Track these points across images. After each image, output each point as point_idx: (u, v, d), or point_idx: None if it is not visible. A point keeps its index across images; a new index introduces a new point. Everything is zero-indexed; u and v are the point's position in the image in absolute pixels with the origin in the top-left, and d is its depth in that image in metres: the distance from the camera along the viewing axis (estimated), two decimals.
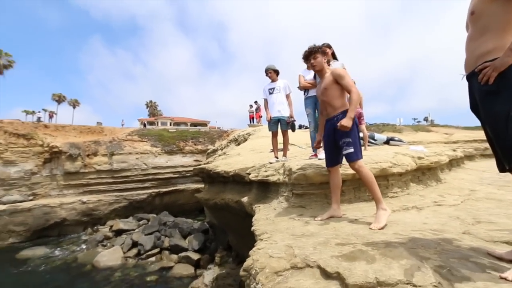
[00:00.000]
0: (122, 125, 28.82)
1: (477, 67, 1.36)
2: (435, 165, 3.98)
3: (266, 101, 4.60)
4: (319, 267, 1.59)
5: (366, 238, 1.93)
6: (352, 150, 2.36)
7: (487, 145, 1.47)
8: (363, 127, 5.89)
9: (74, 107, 40.92)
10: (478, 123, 1.53)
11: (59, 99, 38.44)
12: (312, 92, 4.22)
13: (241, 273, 2.02)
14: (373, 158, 3.32)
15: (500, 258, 1.40)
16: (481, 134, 1.41)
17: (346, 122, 2.30)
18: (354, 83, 5.74)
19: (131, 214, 16.98)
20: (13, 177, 14.94)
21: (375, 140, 8.35)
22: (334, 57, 3.93)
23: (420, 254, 1.53)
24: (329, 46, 3.87)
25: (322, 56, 2.62)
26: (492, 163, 1.45)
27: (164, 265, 10.19)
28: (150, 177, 19.00)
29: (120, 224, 14.75)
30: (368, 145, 6.42)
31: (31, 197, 15.17)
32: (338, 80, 2.49)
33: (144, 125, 32.28)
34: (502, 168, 1.39)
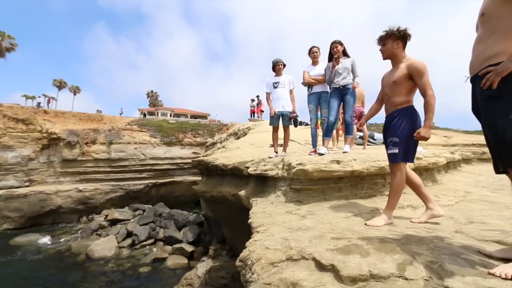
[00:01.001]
0: (121, 113, 28.69)
1: (481, 70, 1.38)
2: (432, 166, 4.02)
3: (268, 94, 4.57)
4: (314, 259, 1.63)
5: (361, 233, 1.97)
6: (396, 151, 2.15)
7: (484, 149, 1.50)
8: (364, 126, 5.91)
9: (74, 94, 40.59)
10: (477, 127, 1.55)
11: (60, 85, 38.09)
12: (316, 89, 4.22)
13: (237, 263, 2.06)
14: (372, 156, 3.35)
15: (490, 256, 1.45)
16: (480, 138, 1.41)
17: (426, 133, 2.01)
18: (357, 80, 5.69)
19: (127, 204, 17.03)
20: (10, 162, 14.92)
21: (375, 139, 8.40)
22: (345, 54, 3.92)
23: (413, 250, 1.56)
24: (340, 43, 3.86)
25: (394, 42, 2.22)
26: (488, 167, 1.48)
27: (158, 256, 10.27)
28: (148, 167, 19.04)
29: (116, 213, 14.80)
30: (368, 144, 6.46)
31: (27, 183, 15.18)
32: (414, 76, 2.14)
33: (144, 115, 32.16)
34: (497, 170, 1.43)
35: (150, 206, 16.71)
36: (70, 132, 16.84)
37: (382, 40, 2.28)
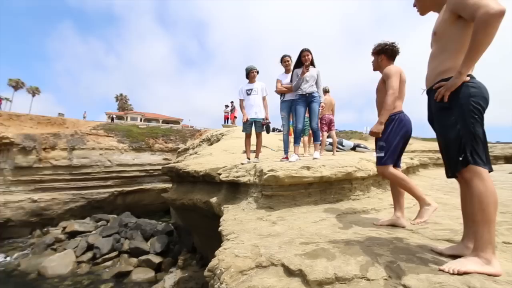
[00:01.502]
0: (84, 117, 26.87)
1: (434, 84, 1.52)
2: None
3: (242, 101, 4.62)
4: (283, 265, 1.64)
5: (329, 237, 2.03)
6: (382, 154, 2.26)
7: (439, 155, 1.65)
8: (333, 133, 6.18)
9: (33, 95, 37.27)
10: (434, 135, 1.70)
11: (17, 86, 34.80)
12: (288, 96, 4.33)
13: (206, 273, 2.01)
14: (340, 162, 3.50)
15: (441, 254, 1.57)
16: (435, 145, 1.58)
17: (376, 127, 2.22)
18: (328, 91, 5.91)
19: (89, 214, 15.80)
20: None
21: (343, 146, 8.81)
22: (312, 63, 4.07)
23: (375, 251, 1.65)
24: (310, 52, 4.01)
25: (377, 56, 2.46)
26: (442, 171, 1.62)
27: (122, 269, 9.59)
28: (114, 174, 17.92)
29: (75, 225, 13.63)
30: (337, 150, 6.75)
31: None
32: (385, 80, 2.33)
33: (112, 119, 30.37)
34: (448, 175, 1.57)
35: (115, 216, 15.66)
36: (26, 136, 15.33)
37: (372, 55, 2.52)
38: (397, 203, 2.42)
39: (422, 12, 1.72)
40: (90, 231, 13.25)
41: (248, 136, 4.65)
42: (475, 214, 1.35)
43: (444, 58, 1.50)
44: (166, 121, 39.57)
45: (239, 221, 2.83)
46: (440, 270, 1.33)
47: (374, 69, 2.56)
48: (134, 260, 10.09)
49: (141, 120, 37.71)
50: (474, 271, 1.27)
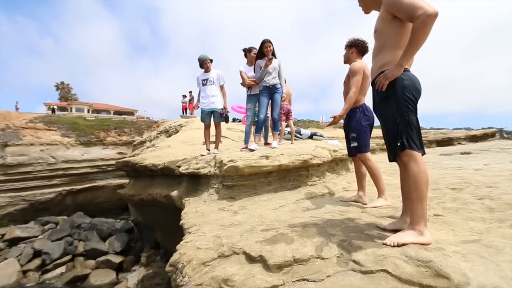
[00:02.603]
0: (17, 108, 23.43)
1: (376, 76, 1.66)
2: (345, 157, 4.64)
3: (200, 91, 4.53)
4: (244, 253, 1.68)
5: (288, 222, 2.13)
6: (356, 144, 2.57)
7: (383, 141, 1.83)
8: (291, 122, 6.37)
9: None
10: (379, 123, 1.86)
11: None
12: (255, 90, 4.29)
13: (167, 268, 1.97)
14: (297, 150, 3.64)
15: (384, 229, 1.77)
16: (381, 132, 1.75)
17: (339, 115, 2.48)
18: (285, 81, 6.03)
19: (32, 218, 14.10)
20: None
21: (301, 134, 9.17)
22: (273, 54, 4.08)
23: (328, 232, 1.78)
24: (271, 43, 4.00)
25: (349, 49, 2.65)
26: (386, 156, 1.80)
27: (78, 273, 8.86)
28: (60, 172, 16.14)
29: (16, 231, 12.08)
30: (295, 139, 7.00)
31: None
32: (350, 76, 2.57)
33: (53, 110, 26.90)
34: (390, 159, 1.75)
35: (65, 217, 14.25)
36: None
37: (345, 48, 2.71)
38: (360, 184, 2.77)
39: (366, 11, 1.88)
40: (36, 236, 11.88)
41: (207, 127, 4.57)
42: (410, 192, 1.54)
43: (385, 53, 1.65)
44: (118, 112, 36.71)
45: (201, 213, 2.80)
46: (383, 244, 1.50)
47: (345, 62, 2.76)
48: (91, 263, 9.38)
49: (88, 112, 34.39)
50: (411, 242, 1.46)
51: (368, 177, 2.70)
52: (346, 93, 2.71)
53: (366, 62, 2.63)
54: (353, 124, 2.61)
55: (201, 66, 4.43)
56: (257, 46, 4.12)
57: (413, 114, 1.55)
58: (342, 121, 2.75)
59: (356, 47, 2.66)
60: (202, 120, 4.50)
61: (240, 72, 4.36)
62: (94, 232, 11.13)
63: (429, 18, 1.37)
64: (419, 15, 1.38)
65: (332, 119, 2.53)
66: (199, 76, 4.48)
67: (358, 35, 2.69)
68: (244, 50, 4.48)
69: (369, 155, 2.60)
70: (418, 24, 1.39)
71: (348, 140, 2.75)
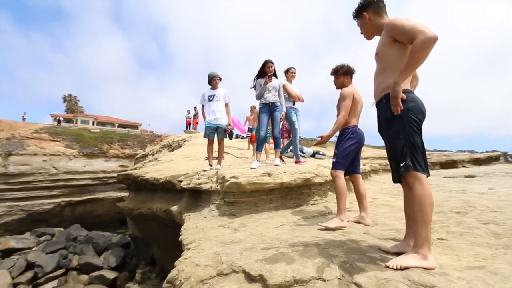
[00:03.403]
0: (24, 119, 23.86)
1: (381, 98, 1.71)
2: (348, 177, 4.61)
3: (203, 106, 4.61)
4: (244, 271, 1.65)
5: (289, 241, 2.09)
6: (334, 160, 2.68)
7: (388, 161, 1.85)
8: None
9: None
10: (383, 143, 1.88)
11: None
12: (286, 103, 4.50)
13: (164, 285, 1.92)
14: (299, 169, 3.64)
15: (387, 252, 1.73)
16: (385, 152, 1.78)
17: (326, 135, 2.59)
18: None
19: (29, 228, 13.90)
20: None
21: (304, 153, 9.16)
22: (274, 74, 4.21)
23: (330, 253, 1.75)
24: (273, 63, 4.15)
25: (344, 76, 2.81)
26: (390, 176, 1.81)
27: None
28: (61, 183, 16.11)
29: (11, 241, 11.88)
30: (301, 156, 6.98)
31: None
32: (340, 100, 2.71)
33: (59, 121, 27.34)
34: (394, 180, 1.75)
35: (62, 229, 14.03)
36: None
37: (336, 74, 2.83)
38: (361, 204, 2.77)
39: (368, 37, 1.96)
40: (31, 248, 11.65)
41: (210, 143, 4.60)
42: (415, 215, 1.52)
43: (386, 75, 1.69)
44: (122, 125, 37.17)
45: (201, 229, 2.77)
46: (386, 266, 1.47)
47: (338, 87, 2.87)
48: (84, 278, 9.13)
49: (93, 124, 34.87)
50: (414, 266, 1.43)
51: (369, 197, 2.69)
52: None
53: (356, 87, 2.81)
54: (340, 143, 2.71)
55: (210, 82, 4.56)
56: (256, 65, 4.31)
57: (418, 136, 1.57)
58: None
59: (350, 74, 2.84)
60: (206, 135, 4.54)
61: (284, 85, 4.62)
62: (90, 246, 10.92)
63: (429, 41, 1.42)
64: (420, 37, 1.44)
65: (320, 138, 2.63)
66: (205, 92, 4.59)
67: (343, 62, 2.88)
68: (285, 71, 4.97)
69: (339, 173, 2.63)
70: (418, 46, 1.44)
71: None
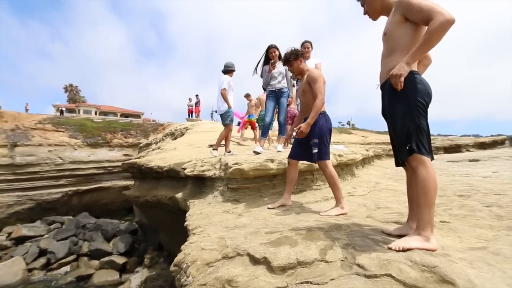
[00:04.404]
0: (27, 110, 23.95)
1: (387, 80, 1.65)
2: (351, 162, 4.62)
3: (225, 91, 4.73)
4: (248, 254, 1.69)
5: (292, 225, 2.13)
6: (316, 150, 2.49)
7: (391, 146, 1.82)
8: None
9: None
10: (386, 129, 1.85)
11: None
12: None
13: (172, 268, 1.98)
14: None
15: (389, 234, 1.75)
16: (388, 138, 1.75)
17: (305, 127, 2.43)
18: (293, 85, 6.11)
19: (39, 217, 14.29)
20: None
21: None
22: (280, 59, 4.12)
23: (333, 236, 1.78)
24: (277, 48, 4.05)
25: (296, 61, 2.63)
26: (393, 161, 1.80)
27: (82, 273, 8.93)
28: (67, 173, 16.37)
29: (23, 230, 12.27)
30: None
31: None
32: (310, 83, 2.52)
33: (61, 112, 27.44)
34: (397, 164, 1.74)
35: (71, 217, 14.42)
36: None
37: (288, 62, 2.65)
38: (289, 187, 2.78)
39: (374, 18, 1.85)
40: (42, 235, 12.05)
41: (231, 129, 4.75)
42: (418, 197, 1.53)
43: (395, 56, 1.63)
44: (125, 115, 37.18)
45: (205, 215, 2.82)
46: (388, 248, 1.49)
47: (297, 74, 2.73)
48: (95, 263, 9.46)
49: (96, 114, 34.95)
50: (416, 247, 1.44)
51: (372, 182, 2.69)
52: (306, 103, 2.66)
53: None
54: (317, 130, 2.51)
55: (231, 72, 4.60)
56: (255, 50, 4.25)
57: (424, 118, 1.54)
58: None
59: (301, 57, 2.67)
60: (231, 122, 4.68)
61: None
62: (99, 233, 11.24)
63: (447, 23, 1.37)
64: (437, 18, 1.38)
65: (298, 130, 2.46)
66: (231, 80, 4.61)
67: (289, 47, 2.69)
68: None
69: (329, 162, 2.53)
70: (436, 27, 1.39)
71: (304, 145, 2.62)
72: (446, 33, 1.40)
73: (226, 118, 4.56)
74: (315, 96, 2.47)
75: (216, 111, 4.71)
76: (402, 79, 1.51)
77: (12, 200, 14.25)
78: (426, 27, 1.46)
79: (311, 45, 4.60)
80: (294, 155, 2.71)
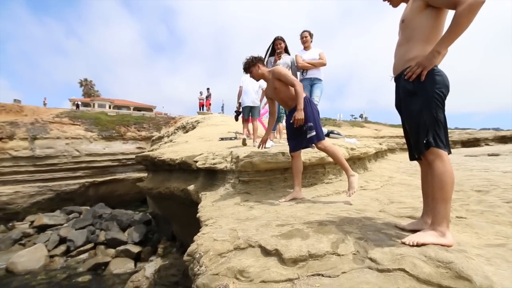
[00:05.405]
0: (45, 104, 24.81)
1: (403, 71, 1.59)
2: (363, 155, 4.54)
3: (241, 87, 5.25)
4: (260, 246, 1.71)
5: (303, 218, 2.13)
6: (314, 133, 2.57)
7: (405, 139, 1.77)
8: None
9: None
10: (400, 122, 1.80)
11: None
12: (310, 74, 4.24)
13: (185, 257, 2.03)
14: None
15: (403, 229, 1.73)
16: (401, 131, 1.71)
17: (299, 114, 2.50)
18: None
19: (58, 207, 14.96)
20: None
21: (335, 133, 9.09)
22: (286, 50, 4.08)
23: (345, 229, 1.77)
24: (283, 40, 4.02)
25: (254, 67, 2.77)
26: (407, 155, 1.75)
27: (99, 261, 9.33)
28: (84, 165, 16.98)
29: (44, 218, 12.88)
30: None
31: None
32: (280, 79, 2.66)
33: (77, 106, 28.28)
34: (412, 158, 1.69)
35: (88, 207, 14.99)
36: None
37: (249, 70, 2.81)
38: (297, 179, 2.86)
39: (394, 4, 1.77)
40: (62, 224, 12.62)
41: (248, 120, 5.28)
42: (434, 192, 1.48)
43: (412, 45, 1.56)
44: (137, 108, 37.87)
45: (217, 207, 2.86)
46: (401, 243, 1.47)
47: (258, 79, 2.88)
48: (111, 251, 9.85)
49: (110, 107, 35.72)
50: (431, 242, 1.41)
51: (386, 176, 2.65)
52: (282, 99, 2.79)
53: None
54: (309, 114, 2.59)
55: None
56: (263, 44, 4.21)
57: (442, 111, 1.48)
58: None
59: (259, 62, 2.80)
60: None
61: (296, 56, 4.35)
62: (115, 223, 11.64)
63: (478, 4, 1.29)
64: (466, 0, 1.30)
65: (297, 120, 2.53)
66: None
67: (245, 57, 2.85)
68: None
69: (325, 141, 2.64)
70: (465, 9, 1.31)
71: (298, 135, 2.70)
72: (475, 14, 1.32)
73: (259, 112, 5.21)
74: (292, 86, 2.60)
75: (250, 104, 5.23)
76: (425, 72, 1.45)
77: (33, 190, 14.95)
78: (445, 15, 1.39)
79: (310, 34, 4.38)
80: (294, 148, 2.80)
